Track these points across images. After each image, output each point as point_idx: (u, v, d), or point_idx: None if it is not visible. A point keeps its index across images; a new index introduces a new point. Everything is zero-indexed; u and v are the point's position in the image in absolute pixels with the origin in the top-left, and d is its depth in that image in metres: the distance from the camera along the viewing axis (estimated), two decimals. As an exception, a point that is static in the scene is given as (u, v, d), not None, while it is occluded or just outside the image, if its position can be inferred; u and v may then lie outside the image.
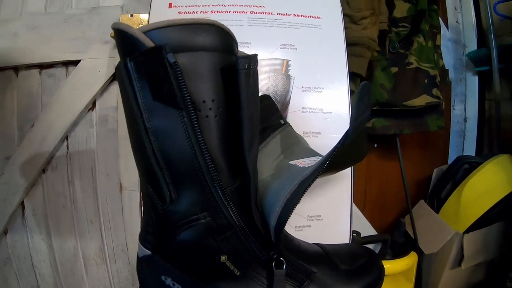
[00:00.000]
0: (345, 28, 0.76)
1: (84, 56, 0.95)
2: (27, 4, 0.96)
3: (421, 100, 1.02)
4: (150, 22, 0.60)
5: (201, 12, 0.72)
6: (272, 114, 0.63)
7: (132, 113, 0.39)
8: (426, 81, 1.03)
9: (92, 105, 0.98)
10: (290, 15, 0.74)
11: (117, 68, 0.40)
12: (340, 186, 0.71)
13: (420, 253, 1.18)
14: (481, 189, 1.14)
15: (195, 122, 0.38)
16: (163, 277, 0.43)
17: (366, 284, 0.52)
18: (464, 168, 1.23)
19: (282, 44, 0.72)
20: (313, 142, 0.66)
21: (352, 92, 0.75)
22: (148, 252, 0.44)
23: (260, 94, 0.67)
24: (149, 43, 0.37)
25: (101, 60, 0.94)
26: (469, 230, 1.13)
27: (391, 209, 1.39)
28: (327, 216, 0.71)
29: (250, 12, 0.73)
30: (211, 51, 0.39)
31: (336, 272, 0.51)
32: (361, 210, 1.28)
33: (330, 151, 0.43)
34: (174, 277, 0.43)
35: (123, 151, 0.96)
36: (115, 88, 0.97)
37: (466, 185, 1.16)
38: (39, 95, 0.98)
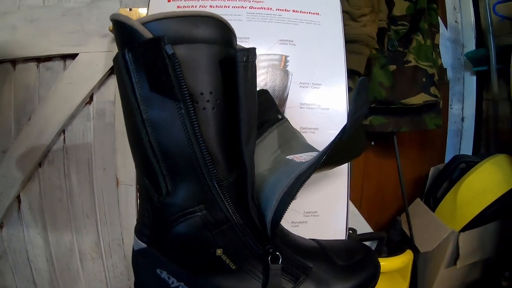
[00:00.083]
0: (344, 25, 0.76)
1: (82, 50, 0.95)
2: (25, -3, 0.96)
3: (419, 99, 1.03)
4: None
5: (200, 6, 0.71)
6: (269, 108, 0.63)
7: (129, 104, 0.39)
8: (424, 79, 1.04)
9: (90, 99, 0.98)
10: (289, 11, 0.74)
11: (115, 59, 0.40)
12: (336, 182, 0.71)
13: (416, 251, 1.18)
14: (478, 188, 1.15)
15: (193, 114, 0.37)
16: (158, 270, 0.43)
17: (362, 279, 0.52)
18: (460, 167, 1.23)
19: (280, 40, 0.72)
20: (310, 138, 0.66)
21: (350, 89, 0.75)
22: (143, 245, 0.44)
23: (258, 89, 0.67)
24: (148, 35, 0.37)
25: (99, 53, 0.94)
26: (465, 229, 1.13)
27: (388, 207, 1.39)
28: (324, 212, 0.71)
29: (249, 8, 0.73)
30: (209, 43, 0.39)
31: (332, 268, 0.51)
32: (357, 208, 1.29)
33: (328, 145, 0.43)
34: (170, 270, 0.43)
35: (120, 145, 0.96)
36: (112, 82, 0.97)
37: (463, 184, 1.17)
38: (37, 88, 0.97)
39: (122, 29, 0.38)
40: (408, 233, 1.21)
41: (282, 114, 0.65)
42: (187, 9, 0.70)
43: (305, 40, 0.73)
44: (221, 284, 0.44)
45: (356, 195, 1.33)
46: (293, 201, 0.68)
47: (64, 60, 0.97)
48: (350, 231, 1.07)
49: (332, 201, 0.71)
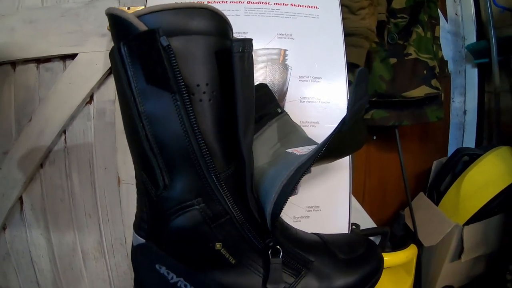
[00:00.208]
0: (343, 18, 0.76)
1: (81, 50, 0.94)
2: (24, -2, 0.96)
3: (420, 91, 1.02)
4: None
5: (197, 2, 0.71)
6: (269, 102, 0.63)
7: (126, 97, 0.39)
8: (425, 72, 1.03)
9: (90, 98, 0.97)
10: (287, 5, 0.73)
11: (111, 53, 0.39)
12: (338, 177, 0.70)
13: (419, 245, 1.17)
14: (481, 181, 1.14)
15: (189, 106, 0.37)
16: (157, 266, 0.43)
17: (365, 273, 0.51)
18: (463, 160, 1.23)
19: (279, 34, 0.72)
20: (310, 132, 0.66)
21: (350, 83, 0.75)
22: (142, 240, 0.44)
23: (257, 83, 0.67)
24: (143, 27, 0.37)
25: (98, 53, 0.94)
26: (469, 222, 1.13)
27: (391, 201, 1.38)
28: (326, 207, 0.70)
29: (247, 2, 0.73)
30: (205, 35, 0.39)
31: (334, 261, 0.51)
32: (360, 203, 1.28)
33: (327, 137, 0.43)
34: (169, 266, 0.43)
35: (121, 144, 0.95)
36: (112, 81, 0.96)
37: (466, 177, 1.16)
38: (37, 89, 0.97)
39: (117, 23, 0.38)
40: (411, 228, 1.20)
41: (281, 108, 0.65)
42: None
43: (304, 34, 0.73)
44: (220, 279, 0.43)
45: (359, 190, 1.32)
46: (294, 196, 0.68)
47: (64, 61, 0.97)
48: (354, 227, 1.07)
49: (334, 195, 0.71)
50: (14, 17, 0.94)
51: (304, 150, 0.51)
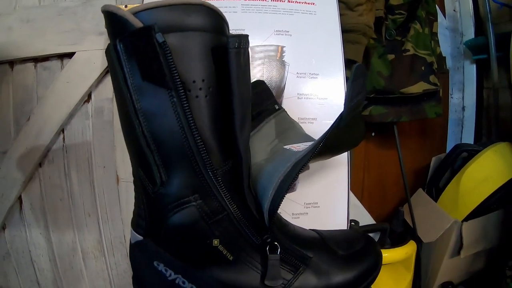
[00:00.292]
0: (341, 14, 0.76)
1: (79, 48, 0.94)
2: (21, -3, 0.95)
3: (418, 87, 1.02)
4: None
5: (194, -1, 0.71)
6: (266, 99, 0.63)
7: (122, 94, 0.39)
8: (423, 68, 1.03)
9: (88, 97, 0.97)
10: (284, 1, 0.73)
11: (107, 50, 0.40)
12: (336, 173, 0.70)
13: (419, 242, 1.18)
14: (480, 177, 1.14)
15: (185, 102, 0.37)
16: (155, 263, 0.43)
17: (364, 269, 0.52)
18: (462, 156, 1.23)
19: (276, 31, 0.72)
20: (308, 128, 0.66)
21: (348, 79, 0.75)
22: (140, 237, 0.44)
23: (254, 80, 0.67)
24: (138, 24, 0.37)
25: (96, 51, 0.94)
26: (468, 218, 1.13)
27: (390, 198, 1.38)
28: (324, 203, 0.70)
29: (244, -1, 0.73)
30: (201, 31, 0.39)
31: (333, 257, 0.51)
32: (359, 199, 1.28)
33: (325, 133, 0.43)
34: (167, 263, 0.43)
35: (119, 142, 0.95)
36: (110, 79, 0.96)
37: (465, 173, 1.16)
38: (35, 88, 0.97)
39: (113, 20, 0.38)
40: (411, 224, 1.20)
41: (279, 104, 0.65)
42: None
43: (301, 30, 0.73)
44: (218, 275, 0.43)
45: (358, 187, 1.32)
46: (293, 193, 0.68)
47: (61, 59, 0.97)
48: (352, 223, 1.07)
49: (332, 191, 0.71)
50: (11, 17, 0.94)
51: (301, 146, 0.51)
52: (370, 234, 1.16)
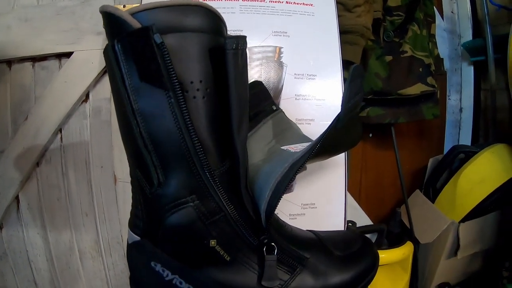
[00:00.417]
0: (339, 16, 0.76)
1: (77, 48, 0.94)
2: (19, -3, 0.95)
3: (416, 89, 1.02)
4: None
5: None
6: (264, 100, 0.63)
7: (120, 95, 0.39)
8: (420, 69, 1.03)
9: (86, 97, 0.97)
10: (282, 2, 0.73)
11: (105, 51, 0.40)
12: (333, 174, 0.70)
13: (416, 242, 1.18)
14: (477, 178, 1.14)
15: (182, 103, 0.37)
16: (152, 263, 0.43)
17: (361, 270, 0.52)
18: (459, 158, 1.23)
19: (274, 32, 0.72)
20: (306, 129, 0.66)
21: (345, 80, 0.75)
22: (137, 237, 0.44)
23: (252, 81, 0.67)
24: (136, 25, 0.37)
25: (94, 51, 0.94)
26: (465, 219, 1.13)
27: (387, 199, 1.39)
28: (322, 204, 0.70)
29: (242, 0, 0.72)
30: (199, 32, 0.39)
31: (330, 258, 0.51)
32: (356, 200, 1.28)
33: (322, 134, 0.43)
34: (164, 263, 0.43)
35: (117, 142, 0.95)
36: (108, 79, 0.96)
37: (462, 174, 1.16)
38: (32, 88, 0.97)
39: (111, 20, 0.38)
40: (408, 225, 1.20)
41: (277, 105, 0.65)
42: None
43: (299, 31, 0.73)
44: (216, 276, 0.43)
45: (355, 188, 1.33)
46: (290, 193, 0.69)
47: (59, 59, 0.97)
48: (350, 224, 1.07)
49: (329, 192, 0.71)
50: (9, 16, 0.94)
51: (299, 147, 0.51)
52: (367, 235, 1.17)
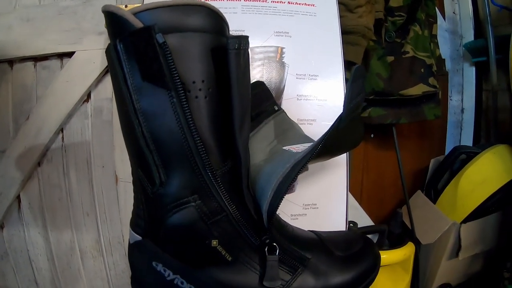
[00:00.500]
0: (341, 16, 0.76)
1: (79, 48, 0.94)
2: (21, -3, 0.95)
3: (418, 89, 1.02)
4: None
5: (194, -1, 0.71)
6: (266, 100, 0.63)
7: (122, 94, 0.39)
8: (422, 70, 1.03)
9: (87, 96, 0.97)
10: (284, 2, 0.73)
11: (107, 50, 0.40)
12: (335, 174, 0.70)
13: (417, 243, 1.18)
14: (478, 179, 1.14)
15: (185, 103, 0.37)
16: (154, 263, 0.43)
17: (362, 270, 0.51)
18: (461, 159, 1.23)
19: (276, 32, 0.72)
20: (307, 130, 0.66)
21: (347, 81, 0.75)
22: (138, 237, 0.44)
23: (254, 81, 0.67)
24: (139, 24, 0.37)
25: (96, 51, 0.94)
26: (466, 220, 1.13)
27: (388, 199, 1.39)
28: (323, 204, 0.70)
29: (244, 0, 0.72)
30: (201, 32, 0.39)
31: (331, 259, 0.51)
32: (358, 201, 1.28)
33: (324, 134, 0.43)
34: (165, 263, 0.43)
35: (119, 142, 0.95)
36: (109, 79, 0.96)
37: (463, 175, 1.16)
38: (34, 87, 0.97)
39: (113, 20, 0.38)
40: (409, 226, 1.20)
41: (278, 105, 0.65)
42: None
43: (301, 31, 0.73)
44: (217, 276, 0.43)
45: (356, 188, 1.33)
46: (292, 193, 0.68)
47: (61, 59, 0.97)
48: (351, 224, 1.07)
49: (331, 193, 0.71)
50: (11, 15, 0.94)
51: (300, 148, 0.51)
52: (369, 236, 1.17)
